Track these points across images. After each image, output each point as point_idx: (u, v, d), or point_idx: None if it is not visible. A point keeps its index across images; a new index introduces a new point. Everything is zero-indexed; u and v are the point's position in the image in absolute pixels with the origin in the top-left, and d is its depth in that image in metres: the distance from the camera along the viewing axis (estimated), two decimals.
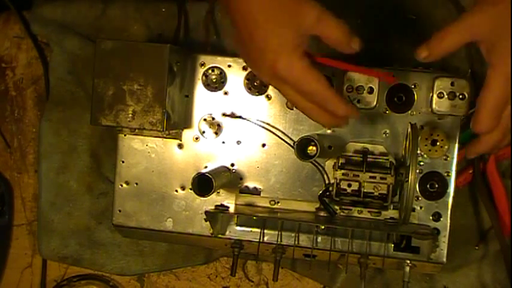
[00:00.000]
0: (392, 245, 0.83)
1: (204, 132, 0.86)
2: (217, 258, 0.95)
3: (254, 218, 0.84)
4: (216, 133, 0.86)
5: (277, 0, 0.66)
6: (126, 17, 0.93)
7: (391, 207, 0.83)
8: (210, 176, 0.78)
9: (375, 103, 0.81)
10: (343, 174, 0.82)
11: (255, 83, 0.85)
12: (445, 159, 0.83)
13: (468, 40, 0.69)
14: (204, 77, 0.86)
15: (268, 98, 0.85)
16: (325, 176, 0.84)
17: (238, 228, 0.86)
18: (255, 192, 0.86)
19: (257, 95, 0.85)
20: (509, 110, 0.70)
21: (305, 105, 0.71)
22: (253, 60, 0.71)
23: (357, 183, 0.81)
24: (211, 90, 0.86)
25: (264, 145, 0.86)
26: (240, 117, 0.86)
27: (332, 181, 0.83)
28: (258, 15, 0.67)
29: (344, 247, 0.84)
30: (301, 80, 0.68)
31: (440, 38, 0.69)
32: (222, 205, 0.86)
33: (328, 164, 0.84)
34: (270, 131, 0.85)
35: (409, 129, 0.78)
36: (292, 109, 0.85)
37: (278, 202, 0.86)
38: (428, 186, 0.83)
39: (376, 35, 0.87)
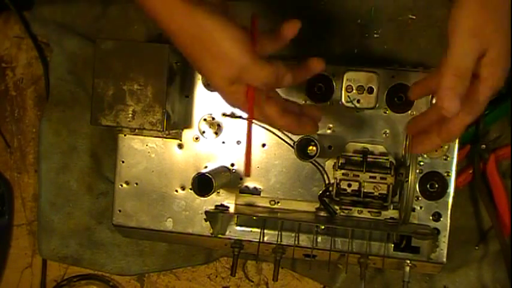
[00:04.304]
0: (392, 245, 0.83)
1: (204, 132, 0.86)
2: (217, 258, 0.95)
3: (254, 218, 0.84)
4: (216, 133, 0.86)
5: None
6: (126, 17, 0.93)
7: (391, 207, 0.83)
8: (210, 176, 0.78)
9: (374, 103, 0.81)
10: (343, 174, 0.82)
11: None
12: (445, 159, 0.83)
13: None
14: (204, 77, 0.86)
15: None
16: (325, 176, 0.84)
17: (238, 228, 0.86)
18: (255, 192, 0.86)
19: None
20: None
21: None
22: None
23: (357, 183, 0.81)
24: (211, 90, 0.86)
25: (264, 145, 0.86)
26: (240, 117, 0.86)
27: (332, 181, 0.83)
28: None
29: (344, 247, 0.84)
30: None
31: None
32: (222, 205, 0.86)
33: (328, 164, 0.84)
34: (270, 131, 0.85)
35: None
36: None
37: (278, 202, 0.86)
38: (428, 186, 0.83)
39: (376, 35, 0.87)
